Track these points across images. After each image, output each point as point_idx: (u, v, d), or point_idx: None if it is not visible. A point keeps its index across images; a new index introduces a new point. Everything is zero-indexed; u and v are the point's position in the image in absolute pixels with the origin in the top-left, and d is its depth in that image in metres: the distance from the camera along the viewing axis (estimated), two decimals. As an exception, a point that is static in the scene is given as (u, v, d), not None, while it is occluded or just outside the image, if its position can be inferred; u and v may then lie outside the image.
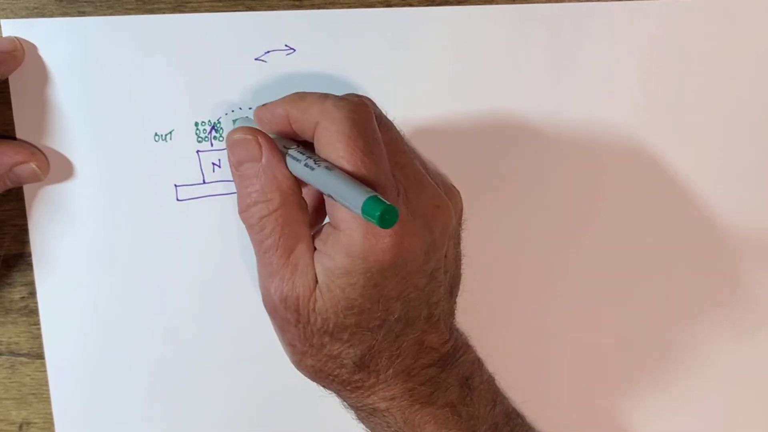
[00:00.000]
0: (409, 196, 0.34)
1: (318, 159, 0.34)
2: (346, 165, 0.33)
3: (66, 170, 0.40)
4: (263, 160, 0.35)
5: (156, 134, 0.40)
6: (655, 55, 0.43)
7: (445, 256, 0.37)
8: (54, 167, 0.40)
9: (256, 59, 0.40)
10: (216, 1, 0.40)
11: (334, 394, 0.38)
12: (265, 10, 0.40)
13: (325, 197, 0.34)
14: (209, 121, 0.40)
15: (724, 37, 0.43)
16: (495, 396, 0.40)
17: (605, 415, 0.47)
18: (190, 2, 0.39)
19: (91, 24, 0.39)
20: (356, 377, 0.36)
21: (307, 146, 0.35)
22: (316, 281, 0.34)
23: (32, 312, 0.42)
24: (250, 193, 0.35)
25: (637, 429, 0.47)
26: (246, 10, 0.40)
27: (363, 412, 0.38)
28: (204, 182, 0.41)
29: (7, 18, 0.38)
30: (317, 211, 0.38)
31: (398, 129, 0.37)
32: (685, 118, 0.44)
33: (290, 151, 0.35)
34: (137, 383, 0.43)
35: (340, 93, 0.36)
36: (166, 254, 0.41)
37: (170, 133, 0.40)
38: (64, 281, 0.41)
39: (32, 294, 0.42)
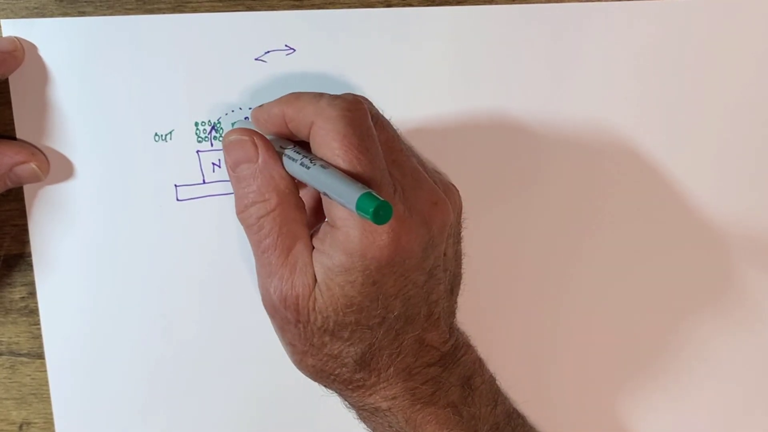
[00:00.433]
0: (406, 193, 0.34)
1: (314, 158, 0.34)
2: (341, 163, 0.33)
3: (66, 170, 0.40)
4: (259, 160, 0.35)
5: (156, 134, 0.40)
6: (655, 55, 0.43)
7: (444, 254, 0.37)
8: (54, 167, 0.40)
9: (256, 59, 0.40)
10: (216, 1, 0.40)
11: (335, 394, 0.38)
12: (265, 10, 0.40)
13: (322, 196, 0.34)
14: (209, 121, 0.40)
15: (724, 37, 0.43)
16: (496, 396, 0.40)
17: (606, 415, 0.47)
18: (190, 2, 0.39)
19: (91, 24, 0.39)
20: (357, 376, 0.36)
21: (303, 146, 0.35)
22: (315, 280, 0.34)
23: (32, 312, 0.42)
24: (247, 193, 0.35)
25: (637, 429, 0.47)
26: (246, 10, 0.40)
27: (364, 412, 0.38)
28: (204, 182, 0.41)
29: (7, 18, 0.38)
30: (316, 211, 0.38)
31: (395, 127, 0.37)
32: (685, 118, 0.44)
33: (286, 151, 0.35)
34: (137, 383, 0.43)
35: (339, 93, 0.36)
36: (166, 254, 0.41)
37: (170, 133, 0.40)
38: (64, 281, 0.41)
39: (32, 294, 0.42)
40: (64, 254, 0.41)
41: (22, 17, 0.38)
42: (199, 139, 0.40)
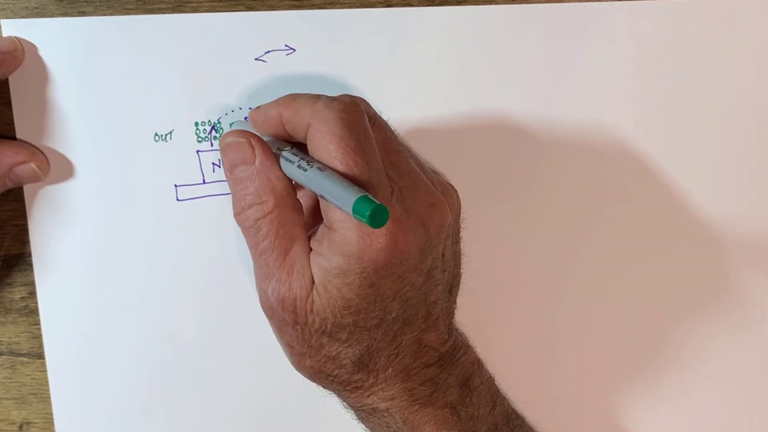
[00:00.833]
0: (404, 194, 0.34)
1: (311, 160, 0.34)
2: (338, 165, 0.33)
3: (66, 170, 0.40)
4: (256, 162, 0.35)
5: (156, 134, 0.40)
6: (655, 55, 0.43)
7: (443, 255, 0.37)
8: (54, 167, 0.40)
9: (256, 59, 0.40)
10: (216, 1, 0.40)
11: (333, 395, 0.38)
12: (265, 10, 0.40)
13: (319, 198, 0.34)
14: (209, 121, 0.40)
15: (724, 37, 0.43)
16: (495, 397, 0.39)
17: (605, 415, 0.47)
18: (190, 2, 0.39)
19: (91, 24, 0.39)
20: (355, 377, 0.36)
21: (300, 147, 0.35)
22: (313, 282, 0.34)
23: (32, 312, 0.42)
24: (244, 195, 0.35)
25: (636, 430, 0.47)
26: (246, 10, 0.40)
27: (363, 413, 0.38)
28: (204, 182, 0.41)
29: (7, 18, 0.38)
30: (314, 212, 0.38)
31: (393, 128, 0.37)
32: (684, 118, 0.44)
33: (283, 153, 0.35)
34: (137, 383, 0.43)
35: (339, 93, 0.36)
36: (166, 254, 0.41)
37: (170, 133, 0.40)
38: (64, 281, 0.41)
39: (32, 294, 0.42)
40: (64, 254, 0.41)
41: (22, 17, 0.38)
42: (199, 139, 0.40)
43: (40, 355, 0.42)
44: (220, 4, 0.40)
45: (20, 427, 0.43)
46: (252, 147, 0.35)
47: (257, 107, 0.37)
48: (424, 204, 0.35)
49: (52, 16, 0.39)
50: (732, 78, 0.44)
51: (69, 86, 0.39)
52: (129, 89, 0.40)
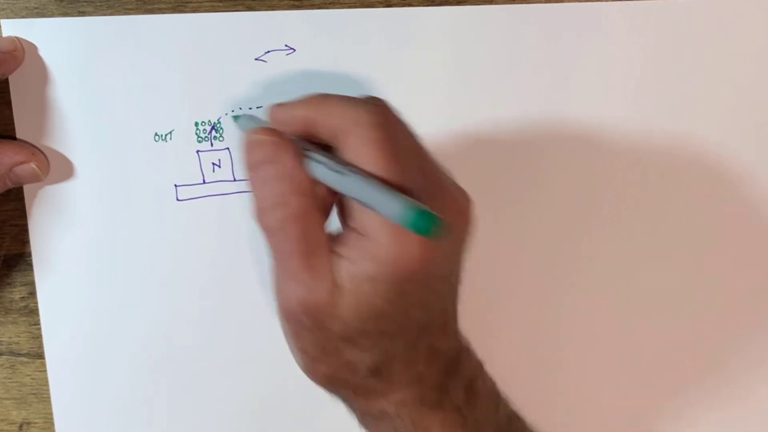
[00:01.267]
0: (435, 203, 0.34)
1: (347, 164, 0.33)
2: (382, 173, 0.32)
3: (66, 170, 0.40)
4: (285, 162, 0.34)
5: (156, 134, 0.40)
6: (655, 55, 0.43)
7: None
8: (54, 167, 0.40)
9: (256, 59, 0.40)
10: (216, 1, 0.40)
11: (338, 399, 0.38)
12: (265, 10, 0.40)
13: (347, 201, 0.34)
14: (209, 121, 0.40)
15: (724, 37, 0.43)
16: (497, 399, 0.39)
17: (606, 416, 0.47)
18: (190, 2, 0.39)
19: (91, 24, 0.39)
20: (368, 382, 0.35)
21: (323, 148, 0.35)
22: (335, 285, 0.34)
23: (32, 312, 0.42)
24: (268, 196, 0.34)
25: (637, 430, 0.47)
26: (246, 10, 0.40)
27: (369, 417, 0.37)
28: (204, 182, 0.41)
29: (7, 18, 0.38)
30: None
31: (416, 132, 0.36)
32: (684, 118, 0.44)
33: (313, 155, 0.34)
34: (137, 383, 0.43)
35: (339, 93, 0.36)
36: (166, 254, 0.41)
37: (170, 133, 0.40)
38: (64, 281, 0.41)
39: (32, 294, 0.42)
40: (64, 254, 0.41)
41: (22, 17, 0.38)
42: (199, 139, 0.40)
43: (40, 355, 0.42)
44: (220, 4, 0.40)
45: (20, 427, 0.43)
46: (281, 146, 0.34)
47: (279, 105, 0.35)
48: (452, 211, 0.34)
49: (52, 16, 0.39)
50: (732, 78, 0.44)
51: (69, 86, 0.39)
52: (129, 89, 0.40)
